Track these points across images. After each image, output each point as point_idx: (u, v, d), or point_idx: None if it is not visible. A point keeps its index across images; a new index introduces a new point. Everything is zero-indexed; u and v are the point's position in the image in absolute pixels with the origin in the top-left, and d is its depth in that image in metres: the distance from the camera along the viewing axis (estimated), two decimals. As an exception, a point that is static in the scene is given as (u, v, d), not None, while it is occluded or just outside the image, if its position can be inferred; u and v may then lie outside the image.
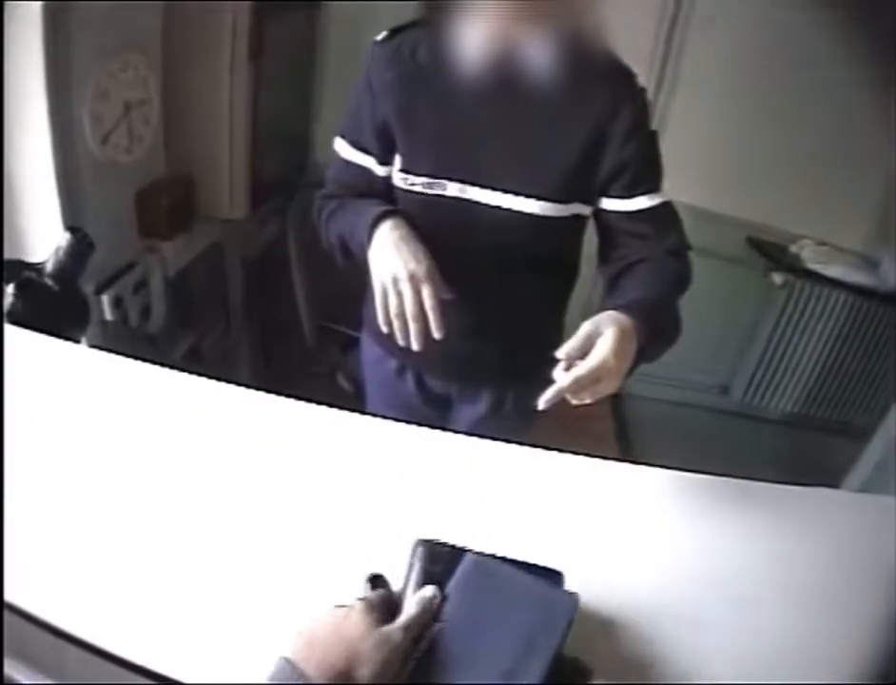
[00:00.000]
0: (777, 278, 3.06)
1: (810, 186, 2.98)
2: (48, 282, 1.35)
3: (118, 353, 1.24)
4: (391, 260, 1.15)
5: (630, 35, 2.77)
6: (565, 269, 1.44)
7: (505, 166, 1.24)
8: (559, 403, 0.96)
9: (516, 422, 1.51)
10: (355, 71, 1.35)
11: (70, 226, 1.43)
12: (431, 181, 1.27)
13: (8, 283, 1.30)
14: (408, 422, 1.17)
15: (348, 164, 1.36)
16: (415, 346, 1.12)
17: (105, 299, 1.86)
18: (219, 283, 2.54)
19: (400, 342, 1.14)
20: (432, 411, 1.55)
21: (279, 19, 2.36)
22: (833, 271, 2.99)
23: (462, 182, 1.26)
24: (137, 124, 2.02)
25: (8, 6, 1.57)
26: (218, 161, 2.39)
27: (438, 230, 1.23)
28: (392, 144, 1.30)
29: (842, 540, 1.02)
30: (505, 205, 1.25)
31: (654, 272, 1.22)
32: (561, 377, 0.96)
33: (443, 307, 1.12)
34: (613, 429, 3.10)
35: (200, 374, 1.19)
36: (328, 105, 2.93)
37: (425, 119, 1.26)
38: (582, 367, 0.95)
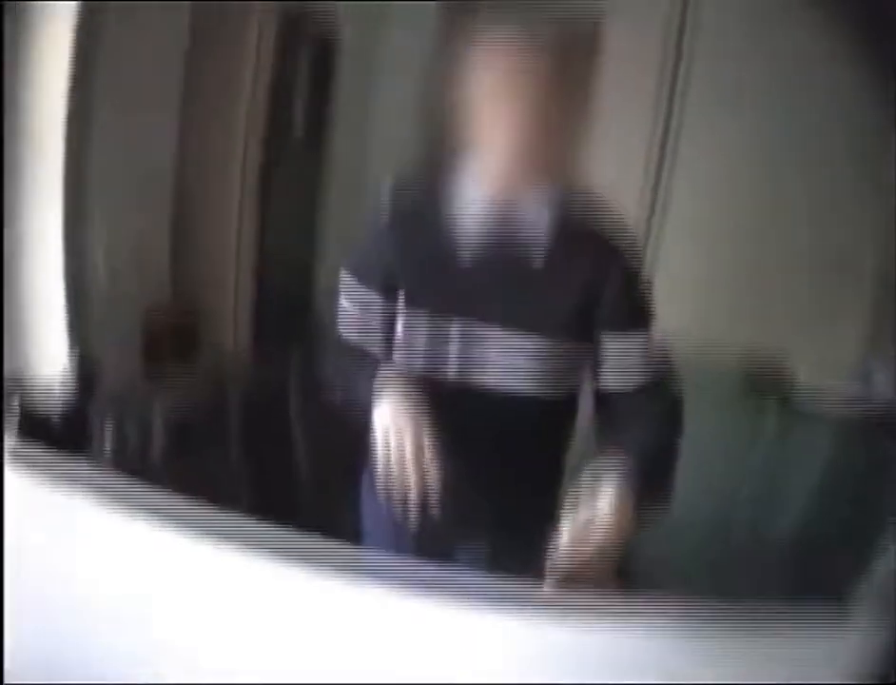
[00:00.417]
0: (770, 408, 3.08)
1: (798, 314, 3.07)
2: (56, 404, 1.37)
3: (118, 477, 1.25)
4: (391, 409, 1.18)
5: (617, 181, 2.96)
6: (560, 447, 1.45)
7: (505, 306, 1.29)
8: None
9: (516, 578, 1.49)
10: (358, 211, 1.42)
11: (80, 353, 1.46)
12: (432, 319, 1.31)
13: (15, 400, 1.32)
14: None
15: (353, 301, 1.40)
16: (413, 493, 1.14)
17: (106, 424, 1.88)
18: (220, 414, 2.56)
19: (400, 491, 1.16)
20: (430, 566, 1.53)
21: (286, 160, 2.47)
22: (825, 395, 3.00)
23: (462, 319, 1.30)
24: (147, 253, 2.09)
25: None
26: (223, 294, 2.45)
27: (439, 380, 1.29)
28: (396, 284, 1.35)
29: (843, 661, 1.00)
30: (506, 344, 1.29)
31: (650, 430, 1.25)
32: (564, 563, 1.01)
33: (441, 462, 1.15)
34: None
35: (198, 498, 1.19)
36: (333, 244, 3.02)
37: (427, 263, 1.32)
38: (586, 553, 1.00)
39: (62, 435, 1.38)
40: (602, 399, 1.34)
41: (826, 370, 3.08)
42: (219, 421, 2.53)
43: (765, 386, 3.10)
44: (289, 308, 2.82)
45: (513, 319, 1.28)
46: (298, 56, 2.57)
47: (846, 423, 3.01)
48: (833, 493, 3.09)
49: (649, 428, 1.25)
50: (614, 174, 2.89)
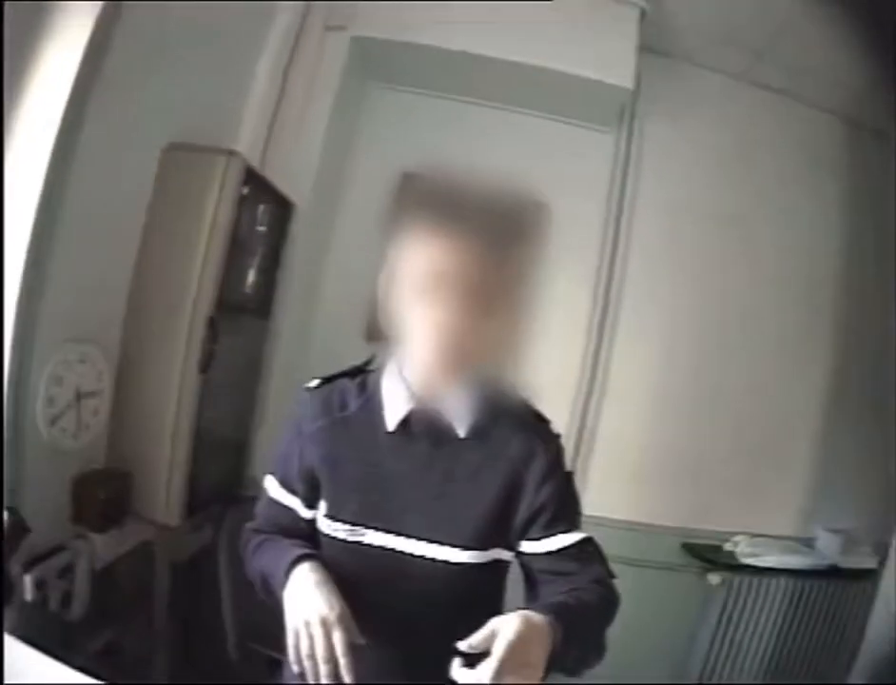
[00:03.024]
0: (714, 578, 3.08)
1: (737, 483, 3.16)
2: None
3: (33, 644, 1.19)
4: (304, 604, 1.17)
5: (556, 355, 3.09)
6: (488, 612, 1.42)
7: (424, 517, 1.29)
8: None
9: None
10: (296, 393, 1.43)
11: (9, 506, 1.43)
12: (353, 528, 1.31)
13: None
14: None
15: (275, 502, 1.41)
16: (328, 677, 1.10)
17: (27, 579, 1.79)
18: (145, 581, 2.45)
19: (310, 683, 1.12)
20: None
21: (230, 333, 2.52)
22: (769, 560, 3.03)
23: (383, 531, 1.30)
24: (86, 413, 2.09)
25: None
26: (157, 464, 2.41)
27: (359, 576, 1.27)
28: (318, 488, 1.35)
29: None
30: (425, 554, 1.29)
31: (577, 592, 1.22)
32: (461, 675, 0.97)
33: (358, 651, 1.13)
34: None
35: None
36: (270, 421, 3.02)
37: (349, 468, 1.32)
38: (489, 663, 0.95)
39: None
40: (529, 572, 1.33)
41: (768, 536, 3.13)
42: (142, 590, 2.43)
43: (707, 557, 3.12)
44: (221, 482, 2.79)
45: (432, 532, 1.28)
46: (255, 219, 2.68)
47: (790, 586, 3.04)
48: (787, 648, 3.06)
49: (581, 591, 1.22)
50: (551, 361, 3.07)
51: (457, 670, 0.97)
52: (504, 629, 0.99)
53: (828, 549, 3.11)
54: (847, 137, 3.31)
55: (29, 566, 1.80)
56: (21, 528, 1.38)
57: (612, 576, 1.29)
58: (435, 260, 1.18)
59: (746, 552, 3.07)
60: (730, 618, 3.08)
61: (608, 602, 1.25)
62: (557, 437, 1.35)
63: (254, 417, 3.02)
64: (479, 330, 1.20)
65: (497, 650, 0.96)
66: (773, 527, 3.18)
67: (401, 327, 1.23)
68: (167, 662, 2.51)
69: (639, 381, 3.23)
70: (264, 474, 1.46)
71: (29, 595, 1.78)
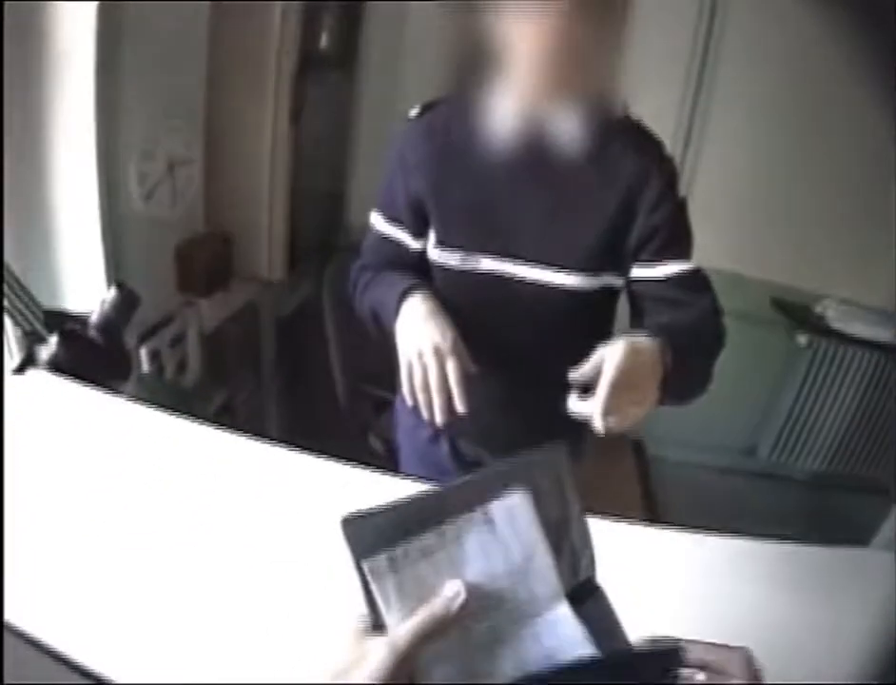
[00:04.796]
0: (802, 338, 3.05)
1: (834, 246, 2.98)
2: (93, 333, 1.38)
3: (154, 405, 1.27)
4: (417, 334, 1.16)
5: (655, 98, 2.87)
6: (597, 341, 1.41)
7: (537, 239, 1.26)
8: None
9: None
10: (389, 135, 1.38)
11: (118, 280, 1.47)
12: (464, 255, 1.29)
13: (51, 332, 1.34)
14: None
15: (383, 237, 1.39)
16: (438, 419, 1.11)
17: (142, 351, 1.90)
18: (253, 340, 2.58)
19: (424, 415, 1.13)
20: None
21: (317, 84, 2.44)
22: (857, 329, 2.97)
23: (495, 255, 1.27)
24: (180, 182, 2.11)
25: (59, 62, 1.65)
26: (256, 222, 2.45)
27: (470, 303, 1.26)
28: (425, 218, 1.32)
29: (870, 599, 1.00)
30: (537, 279, 1.27)
31: (685, 322, 1.21)
32: (578, 406, 0.98)
33: (469, 381, 1.12)
34: (640, 494, 3.06)
35: (231, 428, 1.21)
36: (363, 167, 3.00)
37: (458, 194, 1.28)
38: (599, 391, 0.96)
39: (99, 364, 1.39)
40: (637, 299, 1.31)
41: (859, 302, 3.03)
42: (250, 349, 2.56)
43: (796, 315, 3.06)
44: (322, 232, 2.83)
45: (544, 254, 1.26)
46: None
47: (874, 359, 3.00)
48: (864, 422, 3.07)
49: (688, 322, 1.22)
50: (651, 90, 2.84)
51: (571, 400, 0.99)
52: (612, 356, 0.99)
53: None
54: None
55: (142, 339, 1.91)
56: (132, 300, 1.42)
57: (719, 310, 1.27)
58: None
59: (834, 316, 2.99)
60: (813, 381, 3.06)
61: (715, 332, 1.26)
62: (671, 159, 1.28)
63: (347, 165, 2.99)
64: (585, 39, 1.10)
65: (605, 378, 0.96)
66: (864, 297, 3.03)
67: (503, 45, 1.14)
68: (279, 415, 2.69)
69: (744, 112, 2.92)
70: (361, 220, 1.45)
71: (145, 366, 1.90)
